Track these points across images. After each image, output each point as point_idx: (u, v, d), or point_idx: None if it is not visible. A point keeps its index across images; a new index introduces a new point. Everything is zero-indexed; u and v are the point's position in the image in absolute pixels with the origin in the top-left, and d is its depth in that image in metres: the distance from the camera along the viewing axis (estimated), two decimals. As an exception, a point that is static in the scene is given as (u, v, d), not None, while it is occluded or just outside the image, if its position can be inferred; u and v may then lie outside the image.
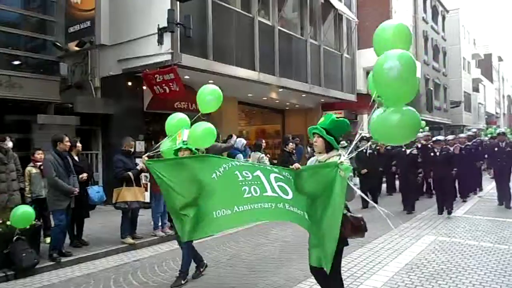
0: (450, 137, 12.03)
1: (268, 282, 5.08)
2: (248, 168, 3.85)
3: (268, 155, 10.56)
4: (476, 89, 40.89)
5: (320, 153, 3.54)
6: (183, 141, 4.67)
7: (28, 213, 5.63)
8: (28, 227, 5.73)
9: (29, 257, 5.53)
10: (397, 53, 2.84)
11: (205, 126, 4.80)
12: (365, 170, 10.46)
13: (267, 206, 3.64)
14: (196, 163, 4.10)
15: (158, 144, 5.20)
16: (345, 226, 3.21)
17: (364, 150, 10.51)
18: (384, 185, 13.11)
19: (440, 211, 9.27)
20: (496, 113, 54.66)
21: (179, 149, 4.69)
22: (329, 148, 3.45)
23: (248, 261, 6.10)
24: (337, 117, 3.59)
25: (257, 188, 3.69)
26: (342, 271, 5.39)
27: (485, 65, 47.45)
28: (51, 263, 5.87)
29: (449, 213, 9.12)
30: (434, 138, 10.27)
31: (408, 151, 10.05)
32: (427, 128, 17.35)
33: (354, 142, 3.36)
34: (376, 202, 10.05)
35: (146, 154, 4.66)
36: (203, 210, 3.85)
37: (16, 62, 10.23)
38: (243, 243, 7.19)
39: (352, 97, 17.84)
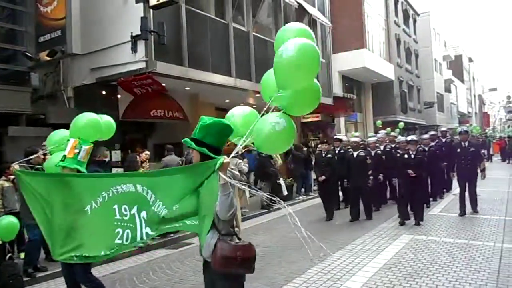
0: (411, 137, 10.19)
1: (249, 288, 5.07)
2: (129, 202, 3.24)
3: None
4: (448, 90, 41.98)
5: None
6: (78, 160, 3.95)
7: (14, 224, 5.12)
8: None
9: (17, 283, 5.37)
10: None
11: (88, 117, 4.28)
12: (323, 177, 9.34)
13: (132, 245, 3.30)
14: (76, 183, 3.45)
15: (34, 156, 4.70)
16: (214, 253, 2.67)
17: (323, 154, 9.56)
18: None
19: (403, 221, 8.22)
20: (468, 112, 56.23)
21: (63, 167, 3.91)
22: (205, 159, 2.76)
23: (228, 268, 6.06)
24: (211, 121, 2.90)
25: (130, 233, 3.23)
26: (322, 273, 5.46)
27: (456, 66, 48.81)
28: (26, 278, 5.71)
29: (418, 223, 8.14)
30: (409, 138, 9.04)
31: (355, 154, 9.18)
32: (400, 128, 17.54)
33: (235, 150, 2.87)
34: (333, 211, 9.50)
35: (16, 163, 4.00)
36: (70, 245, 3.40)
37: (-15, 74, 9.95)
38: (223, 250, 7.14)
39: (329, 101, 18.03)
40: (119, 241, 3.23)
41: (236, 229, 2.89)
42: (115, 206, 3.26)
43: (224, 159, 2.62)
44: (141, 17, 9.05)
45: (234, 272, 2.70)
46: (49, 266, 6.18)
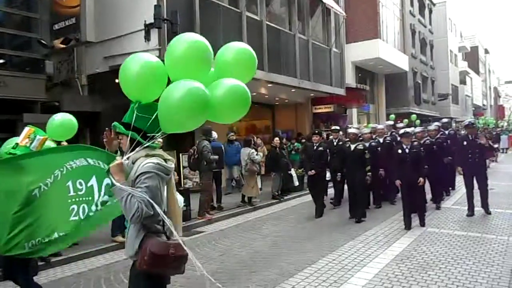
0: (418, 129, 9.87)
1: (260, 277, 5.09)
2: (84, 175, 3.21)
3: (260, 149, 10.54)
4: (463, 82, 41.31)
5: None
6: (30, 150, 3.64)
7: None
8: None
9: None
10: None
11: (64, 117, 4.45)
12: (313, 172, 8.59)
13: (88, 225, 3.26)
14: (24, 166, 3.18)
15: None
16: (141, 251, 2.38)
17: (314, 147, 8.67)
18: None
19: (408, 226, 7.28)
20: (483, 105, 55.35)
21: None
22: (136, 146, 2.52)
23: (239, 256, 6.10)
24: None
25: (86, 207, 3.19)
26: (333, 264, 5.46)
27: (472, 57, 47.98)
28: (41, 263, 5.78)
29: (423, 225, 7.41)
30: (401, 131, 8.10)
31: (353, 147, 8.33)
32: (418, 121, 17.27)
33: (135, 151, 2.52)
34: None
35: None
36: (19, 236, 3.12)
37: (1, 61, 10.06)
38: (234, 238, 7.19)
39: (341, 91, 17.89)
40: (75, 218, 3.17)
41: (168, 226, 2.50)
42: (69, 183, 3.19)
43: (115, 161, 2.42)
44: (155, 5, 9.05)
45: (161, 272, 2.44)
46: (64, 251, 6.25)
